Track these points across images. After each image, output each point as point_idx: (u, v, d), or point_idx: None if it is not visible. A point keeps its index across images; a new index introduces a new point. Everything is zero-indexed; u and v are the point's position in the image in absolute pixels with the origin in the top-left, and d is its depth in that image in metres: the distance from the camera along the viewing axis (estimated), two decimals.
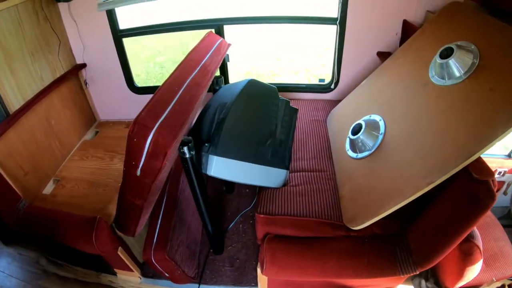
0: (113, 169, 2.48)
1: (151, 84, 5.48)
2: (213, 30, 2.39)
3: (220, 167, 1.64)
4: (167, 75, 1.64)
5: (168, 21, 2.62)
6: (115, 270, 2.31)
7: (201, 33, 2.27)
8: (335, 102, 2.47)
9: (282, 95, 2.01)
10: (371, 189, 1.62)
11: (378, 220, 1.49)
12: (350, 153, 1.85)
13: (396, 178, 1.52)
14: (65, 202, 2.30)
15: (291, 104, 2.03)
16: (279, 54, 6.15)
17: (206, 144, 1.65)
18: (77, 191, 2.38)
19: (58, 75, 2.66)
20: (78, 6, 2.54)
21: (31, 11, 2.38)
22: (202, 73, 1.77)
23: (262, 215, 1.71)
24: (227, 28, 2.53)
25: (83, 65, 2.83)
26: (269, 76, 5.58)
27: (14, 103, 2.31)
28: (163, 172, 1.42)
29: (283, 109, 1.94)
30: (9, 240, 2.95)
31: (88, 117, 3.07)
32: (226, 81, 2.72)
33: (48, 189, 2.48)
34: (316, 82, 2.76)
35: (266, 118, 1.86)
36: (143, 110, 1.36)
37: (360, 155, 1.78)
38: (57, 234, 2.00)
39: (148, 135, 1.28)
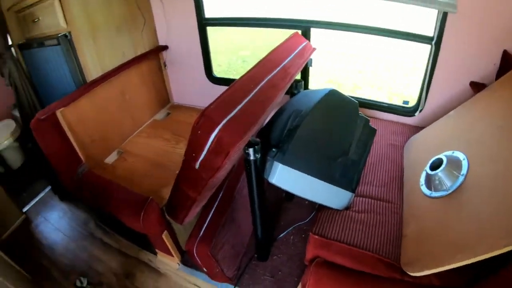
0: (176, 153, 2.49)
1: (231, 77, 5.46)
2: (299, 31, 2.27)
3: (284, 177, 1.54)
4: (247, 69, 1.58)
5: (255, 15, 2.55)
6: (156, 250, 2.32)
7: (287, 32, 2.18)
8: (417, 129, 2.25)
9: (361, 111, 1.87)
10: (439, 235, 1.42)
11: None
12: (424, 189, 1.66)
13: (470, 230, 1.30)
14: (123, 176, 2.34)
15: (370, 123, 1.87)
16: (363, 66, 5.86)
17: (274, 150, 1.56)
18: (137, 168, 2.42)
19: (139, 52, 2.72)
20: None
21: None
22: (281, 74, 1.68)
23: (316, 236, 1.58)
24: (314, 31, 2.41)
25: (165, 47, 2.87)
26: (351, 87, 5.31)
27: (92, 72, 2.42)
28: (223, 171, 1.35)
29: (361, 127, 1.79)
30: (65, 197, 3.11)
31: (163, 97, 3.12)
32: (306, 86, 2.60)
33: (110, 159, 2.56)
34: (399, 102, 2.50)
35: (341, 133, 1.72)
36: (212, 103, 1.30)
37: (434, 194, 1.57)
38: (108, 205, 2.03)
39: (213, 130, 1.22)
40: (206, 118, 1.24)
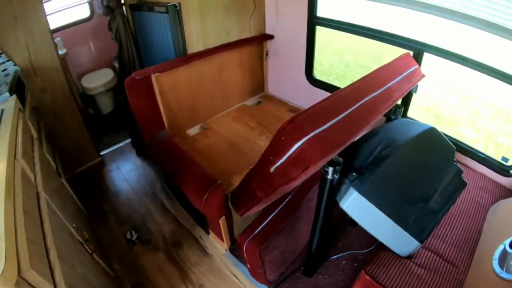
0: (257, 144, 2.48)
1: (330, 79, 5.25)
2: (411, 53, 2.11)
3: (356, 205, 1.45)
4: (349, 76, 1.50)
5: (368, 24, 2.40)
6: (210, 230, 2.35)
7: (398, 50, 2.05)
8: (510, 192, 2.03)
9: None
10: None
11: None
12: (495, 264, 1.44)
13: None
14: (200, 151, 2.40)
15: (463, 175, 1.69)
16: (469, 102, 5.27)
17: (354, 174, 1.47)
18: (216, 147, 2.46)
19: (244, 36, 2.74)
20: None
21: None
22: (384, 97, 1.57)
23: (368, 277, 1.48)
24: (427, 56, 2.23)
25: (270, 37, 2.85)
26: (448, 122, 4.87)
27: (194, 46, 2.49)
28: (297, 182, 1.31)
29: (451, 177, 1.64)
30: (141, 153, 3.28)
31: (258, 85, 3.12)
32: (405, 113, 2.43)
33: (192, 131, 2.65)
34: (497, 156, 2.20)
35: (429, 177, 1.59)
36: (305, 111, 1.24)
37: (504, 275, 1.36)
38: (177, 175, 2.09)
39: (298, 141, 1.15)
40: (294, 125, 1.18)
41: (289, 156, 1.19)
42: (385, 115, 1.89)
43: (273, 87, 3.16)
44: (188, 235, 2.46)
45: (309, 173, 1.25)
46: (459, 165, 1.69)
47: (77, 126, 2.92)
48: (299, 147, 1.16)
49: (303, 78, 2.78)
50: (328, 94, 2.48)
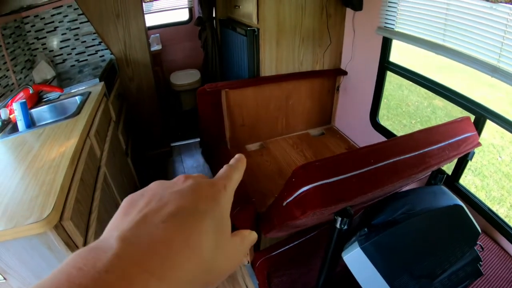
0: None
1: (412, 123, 5.17)
2: (472, 117, 1.96)
3: (356, 260, 1.49)
4: (433, 122, 1.45)
5: (436, 79, 2.30)
6: None
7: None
8: None
9: (485, 227, 1.60)
10: None
11: None
12: None
13: None
14: (250, 167, 2.58)
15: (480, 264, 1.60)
16: None
17: (365, 230, 1.50)
18: (265, 167, 2.63)
19: (316, 68, 2.88)
20: (363, 18, 2.61)
21: (318, 3, 2.62)
22: (415, 161, 1.50)
23: None
24: (489, 124, 2.02)
25: (344, 72, 2.95)
26: (495, 197, 4.11)
27: (266, 70, 2.69)
28: (301, 221, 1.42)
29: (466, 262, 1.57)
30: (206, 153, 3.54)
31: (325, 116, 3.24)
32: (455, 178, 2.21)
33: (251, 147, 2.86)
34: None
35: (440, 256, 1.54)
36: (321, 160, 1.32)
37: None
38: None
39: (304, 186, 1.27)
40: (305, 171, 1.30)
41: (295, 197, 1.33)
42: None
43: (339, 122, 3.24)
44: None
45: (314, 217, 1.37)
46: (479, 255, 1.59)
47: (155, 116, 3.30)
48: (304, 191, 1.28)
49: (367, 121, 2.83)
50: (385, 139, 2.57)
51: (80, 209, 1.43)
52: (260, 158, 2.73)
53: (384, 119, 4.88)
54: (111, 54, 2.86)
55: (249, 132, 2.84)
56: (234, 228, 0.35)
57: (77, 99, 2.20)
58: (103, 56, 2.87)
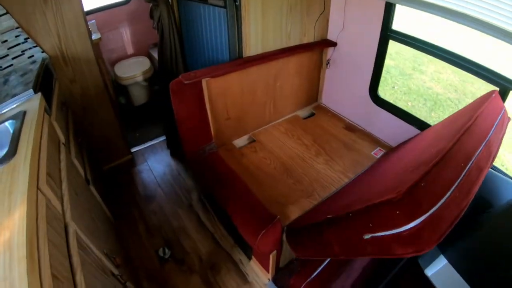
0: (314, 167, 2.27)
1: (409, 105, 4.80)
2: (497, 90, 1.80)
3: (443, 275, 1.26)
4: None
5: (448, 46, 2.06)
6: (253, 257, 2.19)
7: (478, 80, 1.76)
8: None
9: None
10: None
11: None
12: None
13: None
14: (249, 169, 2.22)
15: None
16: None
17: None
18: (266, 166, 2.27)
19: (305, 41, 2.51)
20: None
21: None
22: (486, 154, 1.35)
23: None
24: None
25: (333, 44, 2.61)
26: None
27: (252, 48, 2.28)
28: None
29: None
30: (176, 154, 3.11)
31: (312, 94, 2.90)
32: None
33: (240, 142, 2.48)
34: None
35: None
36: (420, 179, 1.06)
37: None
38: (226, 202, 1.92)
39: (415, 218, 0.98)
40: (412, 199, 1.01)
41: (399, 233, 1.01)
42: None
43: (327, 98, 2.94)
44: (227, 258, 2.28)
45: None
46: None
47: (109, 120, 2.77)
48: (415, 226, 0.98)
49: (366, 95, 2.54)
50: (392, 116, 2.42)
51: None
52: (255, 156, 2.35)
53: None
54: (42, 52, 2.24)
55: (235, 126, 2.45)
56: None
57: (8, 126, 1.59)
58: (32, 56, 2.24)
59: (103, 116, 2.72)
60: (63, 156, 1.74)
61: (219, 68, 2.15)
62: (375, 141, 2.49)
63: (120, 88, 3.74)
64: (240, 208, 1.87)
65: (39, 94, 1.79)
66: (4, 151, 1.37)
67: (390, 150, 2.34)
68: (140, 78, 3.54)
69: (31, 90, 1.81)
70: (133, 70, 3.55)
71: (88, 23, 3.56)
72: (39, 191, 1.23)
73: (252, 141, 2.50)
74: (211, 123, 2.24)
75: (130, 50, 4.06)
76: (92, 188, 2.13)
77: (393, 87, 5.21)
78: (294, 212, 1.90)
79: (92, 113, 2.64)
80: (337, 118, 2.75)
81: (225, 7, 2.14)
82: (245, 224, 1.81)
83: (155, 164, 3.11)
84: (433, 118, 4.47)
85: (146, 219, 2.60)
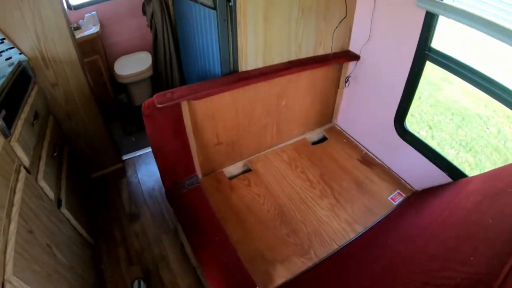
0: (315, 213, 1.86)
1: (427, 115, 4.25)
2: None
3: None
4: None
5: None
6: None
7: None
8: None
9: None
10: None
11: None
12: None
13: None
14: (237, 209, 1.87)
15: None
16: None
17: None
18: (259, 208, 1.89)
19: (320, 52, 2.06)
20: None
21: None
22: None
23: None
24: None
25: (356, 57, 2.14)
26: None
27: (249, 60, 1.86)
28: None
29: None
30: None
31: (325, 115, 2.45)
32: None
33: (232, 170, 2.14)
34: None
35: None
36: None
37: None
38: (198, 251, 1.60)
39: None
40: None
41: None
42: None
43: (343, 120, 2.48)
44: None
45: None
46: None
47: (96, 127, 2.51)
48: None
49: (390, 124, 2.08)
50: (419, 155, 1.94)
51: None
52: (247, 191, 1.97)
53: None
54: (20, 54, 1.98)
55: (227, 151, 2.06)
56: None
57: None
58: (10, 58, 2.00)
59: (90, 123, 2.46)
60: (20, 184, 1.48)
61: (204, 87, 1.76)
62: (395, 182, 2.03)
63: (121, 86, 3.43)
64: (215, 265, 1.52)
65: None
66: None
67: (413, 197, 1.89)
68: (140, 77, 3.20)
69: None
70: (133, 68, 3.21)
71: (88, 15, 3.28)
72: None
73: (247, 170, 2.13)
74: (195, 151, 1.88)
75: (134, 44, 3.73)
76: (65, 211, 1.88)
77: (419, 97, 4.68)
78: (281, 275, 1.54)
79: (78, 120, 2.39)
80: (352, 146, 2.30)
81: (214, 8, 1.72)
82: (216, 285, 1.47)
83: (145, 177, 2.81)
84: (459, 136, 4.02)
85: (127, 242, 2.36)
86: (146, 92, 3.39)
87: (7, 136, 1.53)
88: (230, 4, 1.67)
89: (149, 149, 3.01)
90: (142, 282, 2.08)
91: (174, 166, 1.85)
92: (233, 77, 1.82)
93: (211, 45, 1.93)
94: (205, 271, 1.54)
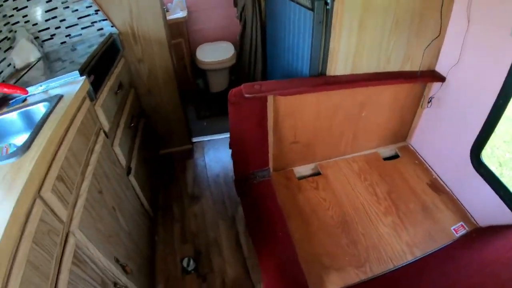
0: (377, 229, 1.83)
1: (499, 151, 3.90)
2: None
3: None
4: None
5: None
6: None
7: None
8: None
9: None
10: None
11: None
12: None
13: None
14: (302, 211, 1.87)
15: None
16: None
17: None
18: (324, 212, 1.89)
19: (407, 68, 2.03)
20: (490, 4, 1.66)
21: None
22: None
23: None
24: None
25: (441, 79, 2.06)
26: None
27: (338, 65, 1.87)
28: None
29: None
30: None
31: (401, 132, 2.41)
32: None
33: (301, 171, 2.16)
34: None
35: None
36: None
37: None
38: (258, 242, 1.65)
39: None
40: None
41: None
42: None
43: (417, 141, 2.40)
44: None
45: None
46: None
47: (173, 106, 2.63)
48: None
49: (465, 153, 1.97)
50: (491, 191, 1.80)
51: None
52: (314, 193, 1.97)
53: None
54: (112, 26, 2.12)
55: (301, 151, 2.08)
56: None
57: (44, 108, 1.44)
58: (101, 29, 2.16)
59: (168, 101, 2.58)
60: (98, 146, 1.58)
61: (293, 84, 1.80)
62: (460, 213, 1.94)
63: (200, 71, 3.53)
64: (272, 258, 1.56)
65: (84, 78, 1.63)
66: (23, 142, 1.20)
67: (476, 232, 1.81)
68: (220, 65, 3.28)
69: (76, 72, 1.64)
70: (214, 56, 3.31)
71: (176, 0, 3.41)
72: (38, 201, 1.05)
73: (316, 173, 2.14)
74: (271, 145, 1.92)
75: (217, 33, 3.83)
76: (132, 179, 1.99)
77: (494, 131, 4.38)
78: (334, 283, 1.53)
79: (157, 96, 2.52)
80: (423, 169, 2.23)
81: (312, 9, 1.73)
82: (271, 278, 1.50)
83: (212, 162, 2.89)
84: None
85: (184, 221, 2.45)
86: (223, 81, 3.49)
87: (92, 99, 1.66)
88: (328, 7, 1.68)
89: (219, 136, 3.09)
90: (191, 261, 2.15)
91: (249, 156, 1.90)
92: (321, 79, 1.84)
93: (302, 45, 1.96)
94: (261, 263, 1.57)
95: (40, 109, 1.46)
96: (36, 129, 1.23)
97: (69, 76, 1.61)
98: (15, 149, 1.23)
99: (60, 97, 1.45)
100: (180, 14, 3.28)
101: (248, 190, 1.88)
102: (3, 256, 0.80)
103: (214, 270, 2.12)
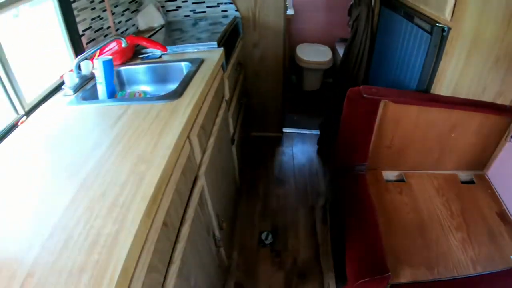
0: (448, 240, 1.97)
1: None
2: None
3: None
4: None
5: None
6: None
7: None
8: None
9: None
10: None
11: None
12: None
13: None
14: (386, 208, 2.06)
15: None
16: None
17: None
18: (402, 213, 2.07)
19: (499, 102, 2.15)
20: None
21: None
22: None
23: None
24: None
25: None
26: None
27: (443, 86, 2.03)
28: None
29: None
30: (323, 155, 3.06)
31: (480, 161, 2.50)
32: None
33: (388, 175, 2.33)
34: None
35: None
36: None
37: None
38: (349, 226, 1.84)
39: None
40: None
41: None
42: None
43: (494, 173, 2.49)
44: (318, 276, 2.20)
45: None
46: None
47: (275, 93, 2.84)
48: None
49: None
50: None
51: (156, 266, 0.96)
52: (398, 197, 2.16)
53: None
54: (236, 10, 2.36)
55: (392, 157, 2.28)
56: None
57: (184, 66, 1.74)
58: (225, 11, 2.40)
59: (271, 88, 2.79)
60: (221, 112, 1.84)
61: (404, 94, 2.02)
62: None
63: (295, 68, 3.75)
64: (360, 243, 1.77)
65: (222, 49, 1.89)
66: (172, 89, 1.46)
67: None
68: (316, 66, 3.50)
69: (215, 43, 1.90)
70: (313, 56, 3.54)
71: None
72: (187, 140, 1.28)
73: (400, 180, 2.31)
74: (372, 144, 2.14)
75: (317, 35, 4.04)
76: (234, 149, 2.24)
77: None
78: (406, 276, 1.72)
79: (262, 81, 2.72)
80: (494, 199, 2.34)
81: (430, 33, 1.95)
82: (356, 260, 1.71)
83: (299, 153, 3.10)
84: None
85: (267, 200, 2.63)
86: (317, 82, 3.70)
87: (224, 71, 1.91)
88: (444, 34, 1.88)
89: (307, 131, 3.29)
90: (270, 235, 2.32)
91: (352, 149, 2.13)
92: (426, 95, 2.04)
93: (413, 62, 2.16)
94: (348, 248, 1.76)
95: (181, 67, 1.74)
96: (186, 80, 1.51)
97: (208, 45, 1.89)
98: (147, 95, 1.53)
99: (202, 61, 1.73)
100: (288, 11, 3.53)
101: (346, 178, 2.11)
102: (164, 176, 1.00)
103: (288, 248, 2.30)
